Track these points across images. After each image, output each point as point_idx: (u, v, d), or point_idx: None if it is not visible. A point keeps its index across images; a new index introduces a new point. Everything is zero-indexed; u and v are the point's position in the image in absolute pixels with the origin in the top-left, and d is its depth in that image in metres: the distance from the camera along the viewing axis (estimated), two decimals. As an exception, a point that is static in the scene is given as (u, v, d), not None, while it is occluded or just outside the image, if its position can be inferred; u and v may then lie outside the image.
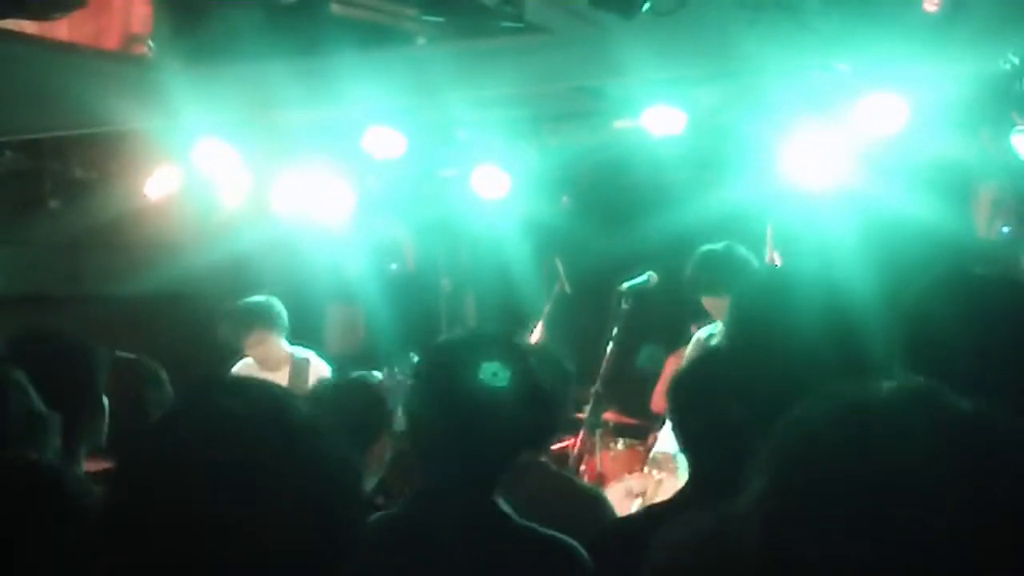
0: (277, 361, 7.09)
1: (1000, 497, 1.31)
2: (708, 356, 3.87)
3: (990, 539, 1.29)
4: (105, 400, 3.54)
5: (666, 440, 6.80)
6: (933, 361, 2.26)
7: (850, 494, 1.33)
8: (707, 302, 6.62)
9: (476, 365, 2.88)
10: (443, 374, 2.95)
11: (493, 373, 2.85)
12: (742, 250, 6.66)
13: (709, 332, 6.84)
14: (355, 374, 5.09)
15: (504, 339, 3.06)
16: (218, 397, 1.71)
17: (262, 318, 7.15)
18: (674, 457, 6.60)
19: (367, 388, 4.47)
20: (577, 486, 4.55)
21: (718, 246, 6.66)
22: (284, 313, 7.23)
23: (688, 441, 3.51)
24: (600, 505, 4.30)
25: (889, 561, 1.30)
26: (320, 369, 7.16)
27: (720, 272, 6.57)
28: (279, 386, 1.85)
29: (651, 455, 6.96)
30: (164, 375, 4.31)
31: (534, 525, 2.96)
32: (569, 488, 4.35)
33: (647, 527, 3.08)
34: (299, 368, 7.05)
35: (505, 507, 2.95)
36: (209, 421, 1.66)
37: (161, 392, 4.17)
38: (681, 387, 3.54)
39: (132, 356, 4.39)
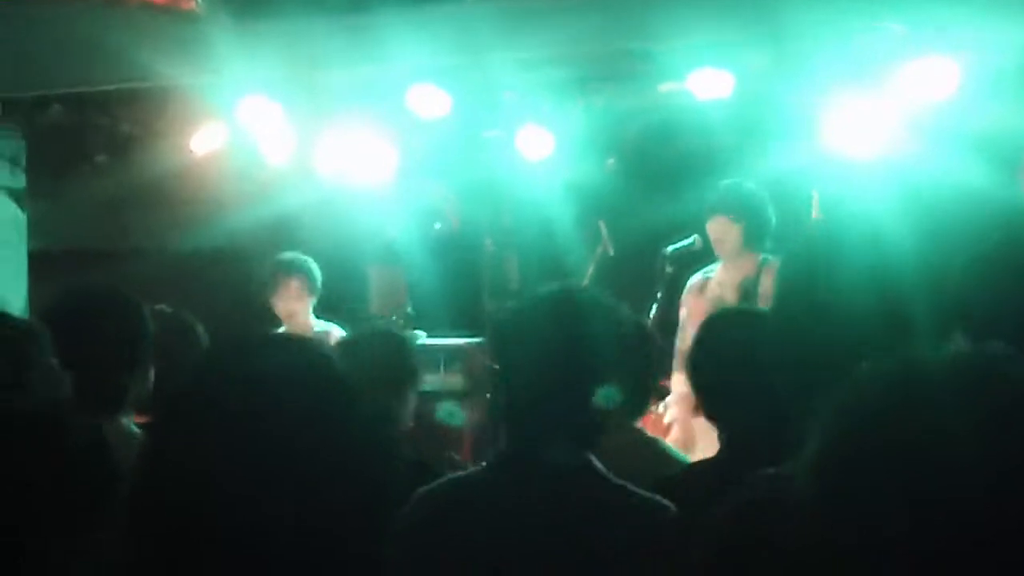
0: (302, 327, 7.07)
1: None
2: (741, 319, 3.82)
3: None
4: (152, 355, 3.56)
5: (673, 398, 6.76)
6: (982, 330, 2.23)
7: (903, 463, 1.31)
8: (717, 224, 6.63)
9: (577, 319, 2.81)
10: (542, 329, 2.86)
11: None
12: (768, 198, 6.70)
13: (704, 277, 6.80)
14: (382, 325, 5.07)
15: (598, 295, 3.01)
16: (252, 355, 1.68)
17: (306, 274, 7.18)
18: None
19: (395, 338, 4.43)
20: (669, 452, 4.51)
21: (749, 183, 6.71)
22: (315, 273, 7.22)
23: (721, 405, 3.48)
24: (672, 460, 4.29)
25: (939, 532, 1.28)
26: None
27: (730, 194, 6.61)
28: (314, 341, 1.83)
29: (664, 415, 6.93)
30: (201, 329, 4.31)
31: (629, 485, 2.90)
32: (660, 453, 4.31)
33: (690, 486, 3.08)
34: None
35: (600, 466, 2.89)
36: (242, 380, 1.62)
37: (198, 347, 4.18)
38: (713, 351, 3.51)
39: (169, 310, 4.41)
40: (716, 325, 3.70)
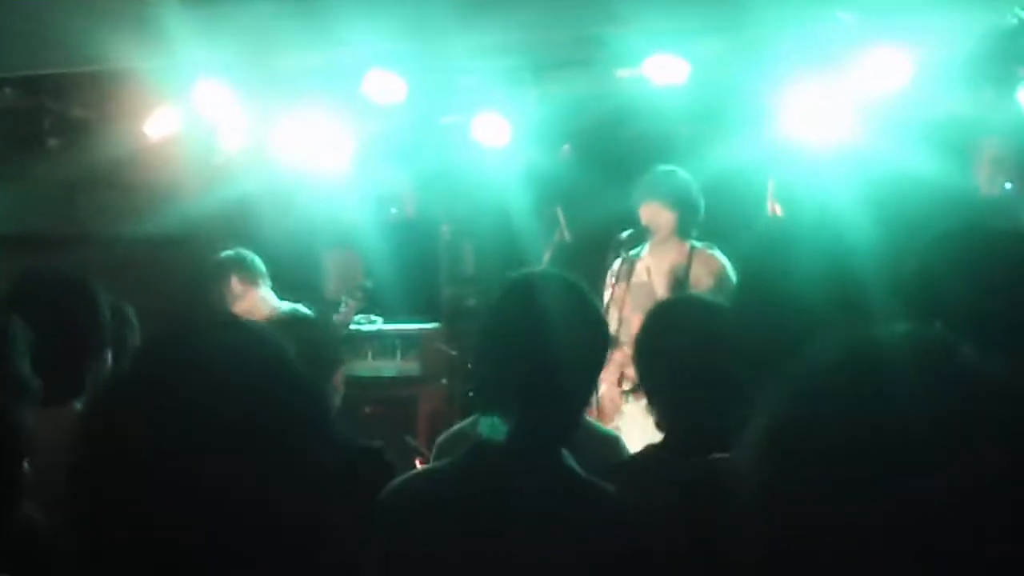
0: (261, 313, 7.05)
1: (999, 453, 1.29)
2: (687, 307, 3.82)
3: (992, 497, 1.28)
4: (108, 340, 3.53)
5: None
6: (937, 314, 2.25)
7: (851, 439, 1.32)
8: (649, 208, 6.69)
9: (547, 305, 2.79)
10: (512, 317, 2.84)
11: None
12: (686, 174, 6.78)
13: (627, 260, 6.82)
14: (308, 309, 5.11)
15: (565, 278, 2.98)
16: (187, 338, 1.67)
17: (238, 269, 7.14)
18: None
19: (321, 322, 4.44)
20: (594, 427, 4.55)
21: (663, 167, 6.79)
22: (260, 263, 7.19)
23: (666, 394, 3.48)
24: (618, 445, 4.31)
25: (888, 509, 1.29)
26: None
27: (663, 181, 6.67)
28: (252, 322, 1.82)
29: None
30: (132, 315, 4.26)
31: (597, 480, 2.88)
32: (586, 429, 4.33)
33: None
34: None
35: (571, 460, 2.85)
36: (178, 362, 1.61)
37: (132, 333, 4.14)
38: (660, 340, 3.50)
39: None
40: (662, 314, 3.69)
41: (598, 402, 6.89)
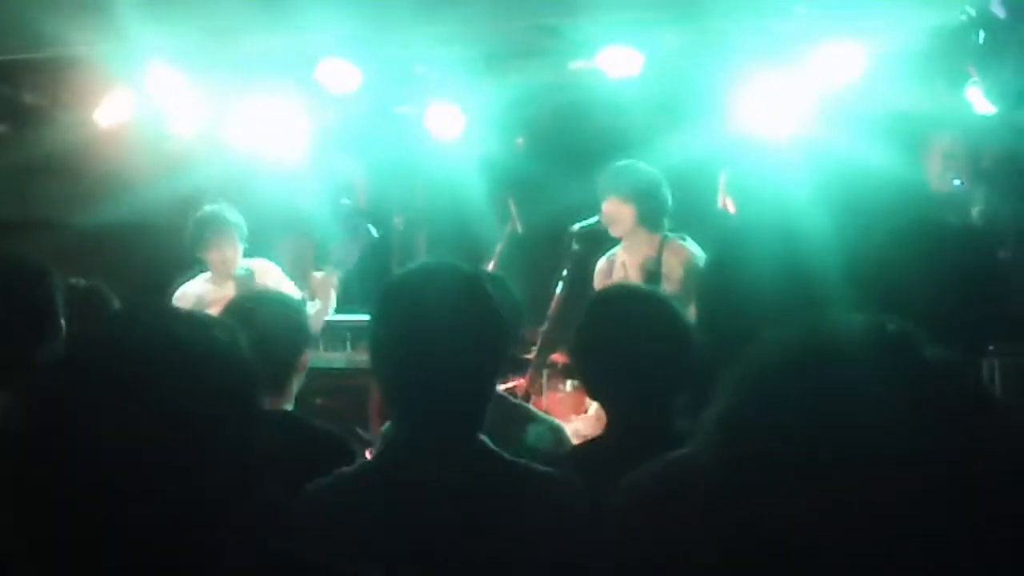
0: (231, 268, 7.12)
1: (950, 444, 1.30)
2: (625, 297, 3.82)
3: (942, 488, 1.29)
4: (63, 324, 3.50)
5: None
6: (891, 306, 2.26)
7: (803, 425, 1.32)
8: (609, 205, 6.74)
9: (440, 296, 2.76)
10: (406, 312, 2.78)
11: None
12: (661, 178, 6.80)
13: (609, 258, 6.91)
14: (271, 291, 5.11)
15: (461, 268, 2.95)
16: (116, 325, 1.76)
17: (228, 224, 7.21)
18: None
19: (284, 303, 4.43)
20: (536, 415, 4.55)
21: (641, 163, 6.82)
22: (241, 221, 7.27)
23: (605, 386, 3.48)
24: (560, 434, 4.31)
25: (842, 502, 1.29)
26: (270, 274, 7.27)
27: (622, 176, 6.71)
28: (179, 311, 1.90)
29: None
30: (115, 300, 4.27)
31: (524, 460, 2.85)
32: (528, 417, 4.33)
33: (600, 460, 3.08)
34: (242, 283, 7.03)
35: (489, 443, 2.83)
36: (101, 350, 1.69)
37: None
38: (597, 331, 3.50)
39: (83, 282, 4.35)
40: (599, 305, 3.69)
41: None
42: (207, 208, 7.34)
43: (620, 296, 3.86)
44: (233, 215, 7.31)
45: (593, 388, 3.58)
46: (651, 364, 3.31)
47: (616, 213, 6.79)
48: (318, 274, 7.44)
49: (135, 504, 1.58)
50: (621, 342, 3.39)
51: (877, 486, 1.28)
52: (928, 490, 1.29)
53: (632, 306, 3.55)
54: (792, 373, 1.37)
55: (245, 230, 7.31)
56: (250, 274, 7.14)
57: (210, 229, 7.21)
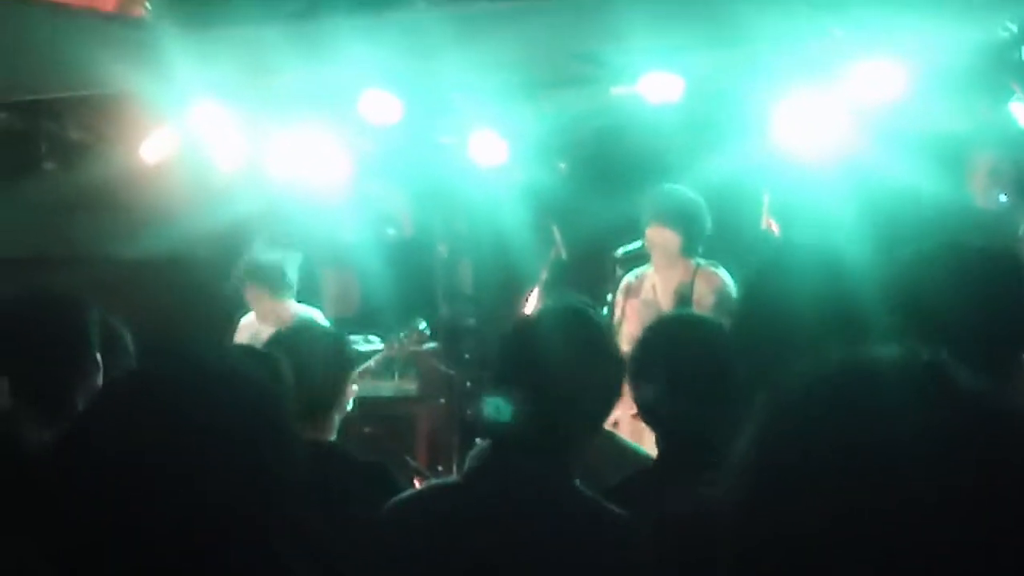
0: (280, 320, 7.13)
1: (991, 478, 1.29)
2: (683, 324, 3.83)
3: (975, 517, 1.28)
4: (99, 359, 3.53)
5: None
6: (923, 331, 2.25)
7: (834, 458, 1.32)
8: (654, 232, 6.72)
9: (556, 335, 2.83)
10: (523, 349, 2.88)
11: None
12: (703, 203, 6.80)
13: (636, 277, 6.88)
14: (315, 322, 5.15)
15: (582, 311, 3.01)
16: (158, 359, 1.85)
17: (258, 277, 7.27)
18: None
19: (332, 334, 4.47)
20: (630, 449, 4.56)
21: (669, 185, 6.80)
22: (286, 273, 7.33)
23: (657, 417, 3.48)
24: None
25: (878, 532, 1.29)
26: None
27: (669, 202, 6.70)
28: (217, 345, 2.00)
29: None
30: (128, 337, 4.27)
31: (599, 498, 2.89)
32: (620, 449, 4.35)
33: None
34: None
35: (575, 479, 2.87)
36: (143, 383, 1.79)
37: (126, 355, 4.13)
38: (655, 363, 3.50)
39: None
40: (657, 331, 3.70)
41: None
42: (247, 257, 7.42)
43: (678, 321, 3.89)
44: (269, 264, 7.37)
45: (647, 412, 3.58)
46: (706, 388, 3.30)
47: (660, 239, 6.78)
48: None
49: (169, 534, 1.61)
50: (680, 367, 3.39)
51: (913, 518, 1.28)
52: (966, 525, 1.28)
53: (691, 331, 3.56)
54: (828, 402, 1.37)
55: (286, 275, 7.36)
56: None
57: (244, 282, 7.33)
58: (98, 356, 3.52)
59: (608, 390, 2.92)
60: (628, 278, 6.93)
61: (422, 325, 7.50)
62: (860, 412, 1.33)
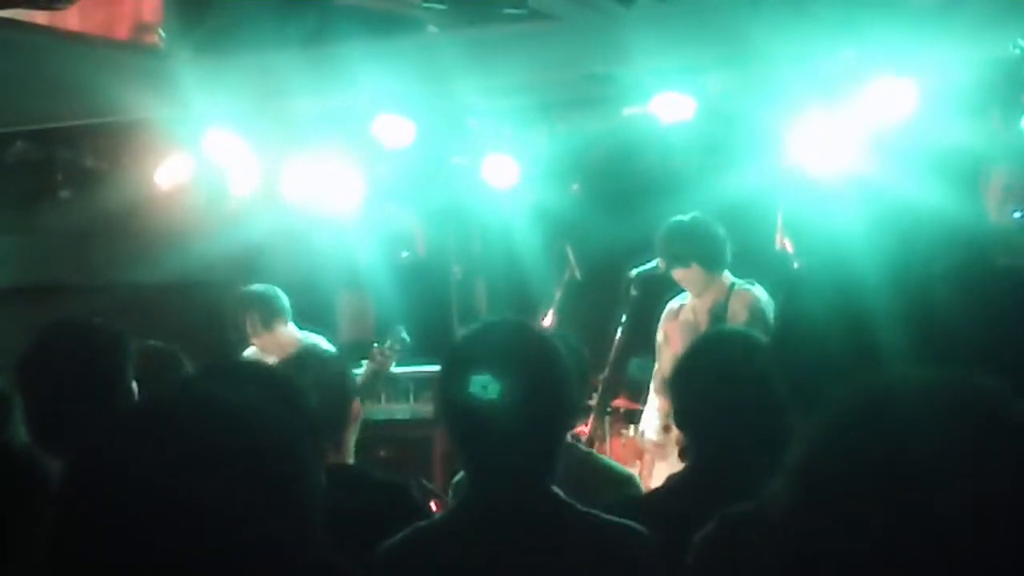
0: (281, 348, 7.11)
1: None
2: (719, 342, 3.85)
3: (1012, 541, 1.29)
4: (135, 386, 3.55)
5: (650, 424, 6.92)
6: (940, 351, 2.25)
7: (878, 482, 1.33)
8: (677, 274, 6.75)
9: (504, 353, 2.79)
10: (471, 371, 2.78)
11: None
12: (707, 220, 6.80)
13: (680, 303, 6.93)
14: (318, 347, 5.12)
15: (522, 323, 2.99)
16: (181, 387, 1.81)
17: (257, 308, 7.22)
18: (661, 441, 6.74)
19: (335, 361, 4.47)
20: (608, 466, 4.57)
21: (683, 218, 6.80)
22: (282, 301, 7.28)
23: (694, 426, 3.50)
24: (633, 484, 4.32)
25: (913, 556, 1.29)
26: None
27: (685, 243, 6.72)
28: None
29: (642, 441, 7.07)
30: (187, 362, 4.33)
31: (597, 512, 2.87)
32: (599, 468, 4.36)
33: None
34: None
35: (562, 494, 2.84)
36: (160, 409, 1.76)
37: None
38: (696, 373, 3.52)
39: (159, 344, 4.42)
40: (698, 348, 3.73)
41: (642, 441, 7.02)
42: (242, 292, 7.37)
43: (724, 338, 3.90)
44: (257, 295, 7.34)
45: (685, 427, 3.58)
46: (742, 405, 3.30)
47: (681, 278, 6.83)
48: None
49: (180, 566, 1.61)
50: (722, 384, 3.40)
51: (954, 543, 1.29)
52: (1008, 551, 1.29)
53: (729, 347, 3.58)
54: (876, 420, 1.38)
55: (275, 302, 7.31)
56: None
57: (239, 315, 7.29)
58: (134, 386, 3.54)
59: (559, 400, 2.88)
60: (672, 303, 7.00)
61: (402, 333, 7.46)
62: (906, 431, 1.35)
